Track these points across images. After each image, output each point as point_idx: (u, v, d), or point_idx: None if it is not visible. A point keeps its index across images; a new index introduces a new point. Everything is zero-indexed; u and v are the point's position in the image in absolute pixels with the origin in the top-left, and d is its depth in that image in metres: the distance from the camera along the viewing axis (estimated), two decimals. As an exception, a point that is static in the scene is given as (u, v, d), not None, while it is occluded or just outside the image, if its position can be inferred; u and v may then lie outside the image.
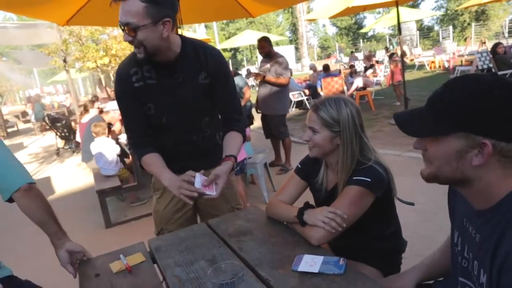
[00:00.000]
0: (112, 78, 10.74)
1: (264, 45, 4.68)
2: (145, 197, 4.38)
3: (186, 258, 1.32)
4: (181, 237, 1.50)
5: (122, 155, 4.60)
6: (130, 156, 4.40)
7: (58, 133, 8.27)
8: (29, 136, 12.58)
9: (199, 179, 1.40)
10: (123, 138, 4.78)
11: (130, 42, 1.43)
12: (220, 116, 1.75)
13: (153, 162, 1.59)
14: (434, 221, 2.87)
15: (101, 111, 5.43)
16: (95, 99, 8.87)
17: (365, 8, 7.41)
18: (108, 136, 4.40)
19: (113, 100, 6.58)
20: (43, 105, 12.85)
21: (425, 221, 2.89)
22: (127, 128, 1.68)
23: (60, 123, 8.28)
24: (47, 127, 9.09)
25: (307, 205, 1.40)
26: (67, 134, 8.25)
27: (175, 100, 1.59)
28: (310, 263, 1.16)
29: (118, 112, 5.01)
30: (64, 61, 6.74)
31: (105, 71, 10.33)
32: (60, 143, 8.48)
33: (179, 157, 1.66)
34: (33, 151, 9.40)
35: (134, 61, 1.56)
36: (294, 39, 33.10)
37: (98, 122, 4.39)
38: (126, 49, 9.06)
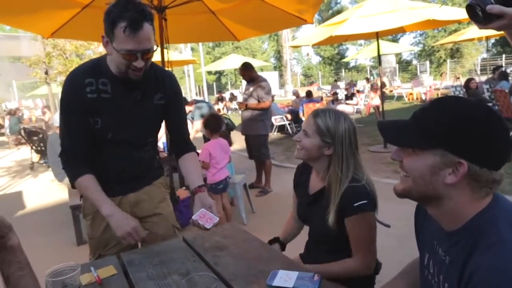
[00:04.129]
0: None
1: (244, 73, 4.81)
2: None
3: (159, 272, 1.30)
4: (156, 251, 1.47)
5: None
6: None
7: (33, 147, 8.04)
8: (2, 149, 12.17)
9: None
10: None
11: (137, 69, 1.41)
12: (173, 138, 1.78)
13: (91, 185, 1.52)
14: (408, 246, 2.86)
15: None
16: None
17: (347, 38, 7.70)
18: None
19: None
20: (20, 118, 12.53)
21: (399, 246, 2.91)
22: (64, 141, 1.56)
23: (36, 136, 8.06)
24: (23, 140, 8.83)
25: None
26: (43, 149, 8.02)
27: (127, 117, 1.55)
28: (285, 278, 1.16)
29: None
30: (46, 73, 6.64)
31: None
32: (35, 157, 8.23)
33: (114, 176, 1.59)
34: (5, 165, 9.07)
35: (90, 72, 1.50)
36: (279, 66, 33.80)
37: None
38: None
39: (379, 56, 6.98)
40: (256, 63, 19.58)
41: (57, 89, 13.82)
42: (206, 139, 5.07)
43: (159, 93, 1.61)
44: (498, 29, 0.89)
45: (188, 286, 0.97)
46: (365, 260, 1.39)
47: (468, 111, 0.82)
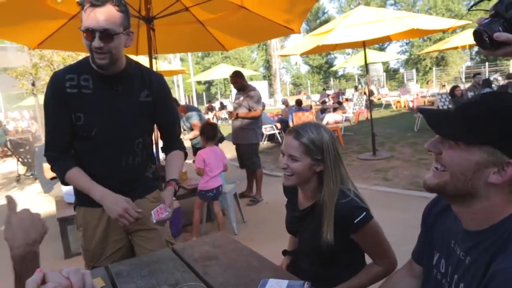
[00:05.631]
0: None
1: (236, 80, 4.84)
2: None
3: (148, 283, 1.28)
4: (144, 262, 1.45)
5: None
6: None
7: (20, 159, 7.90)
8: (-13, 162, 11.92)
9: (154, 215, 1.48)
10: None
11: (97, 49, 1.40)
12: (163, 137, 1.79)
13: (80, 175, 1.53)
14: (399, 252, 2.92)
15: None
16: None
17: (335, 47, 7.79)
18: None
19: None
20: (5, 131, 12.32)
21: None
22: (49, 138, 1.58)
23: (23, 148, 7.93)
24: (9, 153, 8.68)
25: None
26: (30, 161, 7.90)
27: (109, 113, 1.54)
28: (275, 286, 1.15)
29: None
30: (33, 84, 6.57)
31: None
32: (22, 169, 8.09)
33: (101, 183, 1.54)
34: (-9, 178, 8.88)
35: (72, 69, 1.55)
36: (268, 75, 34.02)
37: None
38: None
39: (366, 64, 7.09)
40: (245, 72, 19.68)
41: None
42: (195, 149, 5.06)
43: (145, 90, 1.61)
44: (504, 56, 0.88)
45: (177, 297, 0.95)
46: (389, 260, 1.40)
47: None
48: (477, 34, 0.87)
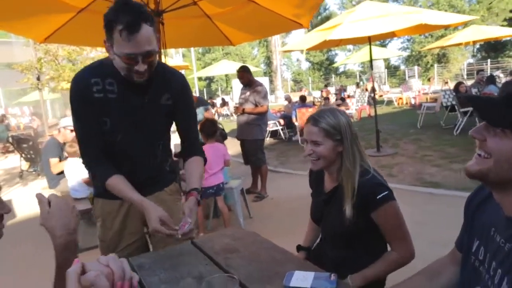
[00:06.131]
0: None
1: (243, 75, 4.81)
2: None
3: (171, 276, 1.27)
4: (165, 255, 1.45)
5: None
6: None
7: (23, 155, 7.90)
8: (-12, 157, 11.91)
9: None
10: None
11: (140, 73, 1.37)
12: (181, 139, 1.74)
13: (118, 184, 1.50)
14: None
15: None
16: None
17: (339, 42, 7.76)
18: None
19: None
20: (7, 126, 12.31)
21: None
22: (82, 145, 1.55)
23: (26, 144, 7.92)
24: (11, 148, 8.66)
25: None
26: (33, 156, 7.89)
27: (134, 119, 1.53)
28: (302, 278, 1.15)
29: (70, 129, 4.66)
30: (38, 79, 6.54)
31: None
32: (25, 165, 8.08)
33: (129, 181, 1.53)
34: (-6, 173, 8.88)
35: (96, 71, 1.49)
36: (269, 72, 33.93)
37: (72, 143, 4.25)
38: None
39: (371, 60, 7.07)
40: (247, 68, 19.60)
41: (48, 95, 13.63)
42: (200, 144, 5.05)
43: (166, 93, 1.58)
44: None
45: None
46: (408, 247, 1.41)
47: None
48: None
